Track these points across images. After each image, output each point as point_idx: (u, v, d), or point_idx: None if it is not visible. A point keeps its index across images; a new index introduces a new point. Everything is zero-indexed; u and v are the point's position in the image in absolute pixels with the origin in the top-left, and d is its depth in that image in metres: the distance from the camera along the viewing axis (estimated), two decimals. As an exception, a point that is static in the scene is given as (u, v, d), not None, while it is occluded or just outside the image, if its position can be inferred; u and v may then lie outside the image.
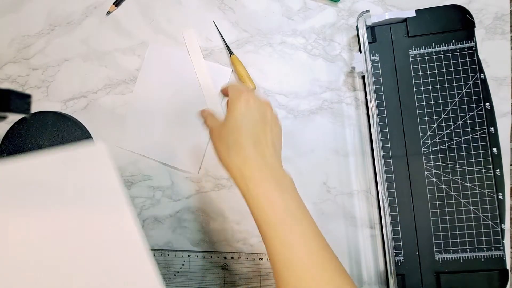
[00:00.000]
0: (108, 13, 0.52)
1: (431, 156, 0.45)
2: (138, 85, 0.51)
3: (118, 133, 0.51)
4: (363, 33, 0.44)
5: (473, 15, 0.46)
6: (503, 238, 0.44)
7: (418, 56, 0.46)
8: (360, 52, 0.45)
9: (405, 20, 0.46)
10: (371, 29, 0.47)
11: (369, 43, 0.46)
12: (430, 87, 0.46)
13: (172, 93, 0.50)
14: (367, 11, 0.43)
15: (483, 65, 0.46)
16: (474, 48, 0.45)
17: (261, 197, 0.29)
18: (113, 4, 0.51)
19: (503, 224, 0.44)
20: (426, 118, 0.45)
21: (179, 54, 0.50)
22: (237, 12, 0.50)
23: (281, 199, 0.30)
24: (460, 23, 0.46)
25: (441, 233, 0.45)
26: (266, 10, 0.50)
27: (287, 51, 0.49)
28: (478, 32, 0.47)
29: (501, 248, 0.44)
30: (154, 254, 0.50)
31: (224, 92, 0.36)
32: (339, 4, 0.49)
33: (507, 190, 0.45)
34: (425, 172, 0.45)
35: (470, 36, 0.45)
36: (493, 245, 0.44)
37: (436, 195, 0.45)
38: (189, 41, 0.50)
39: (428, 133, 0.45)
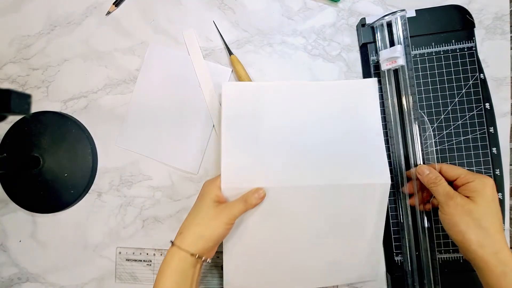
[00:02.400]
0: (108, 13, 0.52)
1: (430, 156, 0.45)
2: (138, 85, 0.51)
3: (118, 133, 0.51)
4: (399, 29, 0.44)
5: (473, 15, 0.46)
6: None
7: (418, 56, 0.46)
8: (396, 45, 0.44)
9: None
10: (371, 28, 0.47)
11: (369, 43, 0.46)
12: (430, 87, 0.46)
13: (172, 93, 0.50)
14: (403, 10, 0.43)
15: (483, 65, 0.46)
16: (474, 48, 0.45)
17: None
18: (113, 4, 0.51)
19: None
20: (426, 118, 0.45)
21: (179, 54, 0.50)
22: (237, 12, 0.50)
23: None
24: (460, 24, 0.46)
25: (441, 233, 0.45)
26: (266, 10, 0.50)
27: (287, 51, 0.49)
28: (478, 32, 0.47)
29: None
30: (154, 254, 0.50)
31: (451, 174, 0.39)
32: (339, 4, 0.49)
33: (506, 190, 0.45)
34: (425, 172, 0.45)
35: (470, 36, 0.46)
36: None
37: None
38: (189, 41, 0.50)
39: (428, 133, 0.45)
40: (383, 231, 0.45)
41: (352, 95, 0.45)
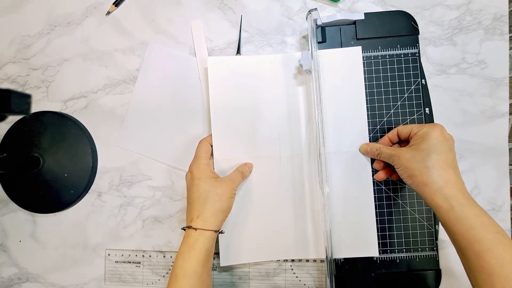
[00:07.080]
0: (108, 13, 0.52)
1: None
2: (138, 85, 0.51)
3: (118, 133, 0.51)
4: (311, 31, 0.44)
5: (473, 16, 0.47)
6: (436, 239, 0.45)
7: (365, 58, 0.47)
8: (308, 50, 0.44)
9: (354, 22, 0.47)
10: (322, 28, 0.47)
11: (318, 42, 0.47)
12: (375, 90, 0.46)
13: (172, 93, 0.50)
14: (315, 9, 0.44)
15: (481, 66, 0.46)
16: (417, 54, 0.46)
17: (471, 217, 0.33)
18: (113, 4, 0.51)
19: (437, 226, 0.45)
20: (370, 120, 0.46)
21: (179, 54, 0.50)
22: (237, 12, 0.50)
23: (492, 221, 0.33)
24: (406, 30, 0.46)
25: (379, 233, 0.45)
26: (266, 10, 0.50)
27: (287, 51, 0.50)
28: (477, 33, 0.47)
29: (434, 248, 0.45)
30: (150, 256, 0.50)
31: (403, 133, 0.42)
32: (339, 4, 0.49)
33: (506, 190, 0.45)
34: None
35: (414, 42, 0.46)
36: (427, 246, 0.45)
37: (376, 195, 0.45)
38: (196, 31, 0.50)
39: (371, 135, 0.46)
40: (373, 203, 0.45)
41: (336, 64, 0.46)
